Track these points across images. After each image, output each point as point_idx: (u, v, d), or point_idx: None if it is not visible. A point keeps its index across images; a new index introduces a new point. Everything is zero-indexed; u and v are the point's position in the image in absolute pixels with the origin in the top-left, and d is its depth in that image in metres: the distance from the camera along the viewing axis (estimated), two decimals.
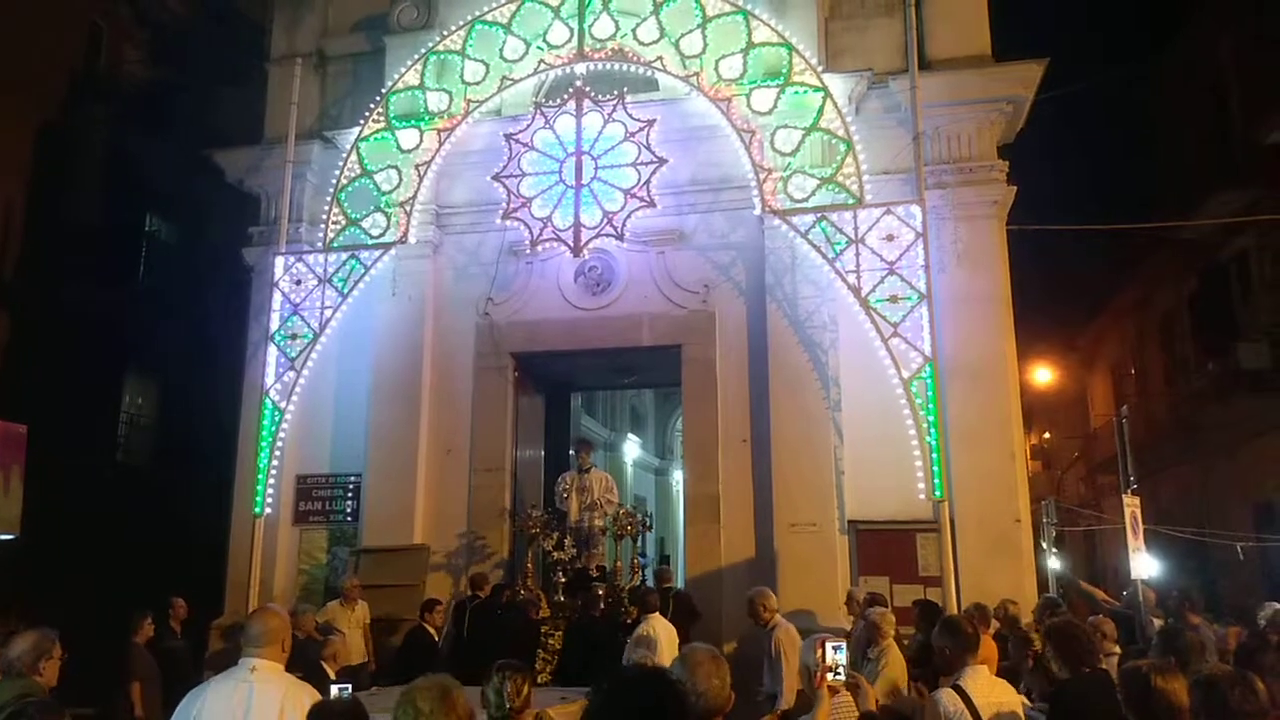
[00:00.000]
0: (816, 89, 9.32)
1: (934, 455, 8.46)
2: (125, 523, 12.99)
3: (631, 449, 21.72)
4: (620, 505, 10.35)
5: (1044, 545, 12.92)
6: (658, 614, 7.85)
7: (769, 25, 9.55)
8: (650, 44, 9.82)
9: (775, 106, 9.38)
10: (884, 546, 9.17)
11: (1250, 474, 14.91)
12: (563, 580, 9.43)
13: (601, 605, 8.76)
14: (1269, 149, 13.81)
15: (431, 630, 8.80)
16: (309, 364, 10.09)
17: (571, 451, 11.43)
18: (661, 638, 7.42)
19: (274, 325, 10.19)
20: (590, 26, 10.00)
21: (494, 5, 10.28)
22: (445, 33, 10.46)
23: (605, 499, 10.10)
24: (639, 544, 10.52)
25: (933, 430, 8.50)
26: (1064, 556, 15.35)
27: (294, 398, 10.05)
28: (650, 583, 9.69)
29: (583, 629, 8.54)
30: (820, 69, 9.45)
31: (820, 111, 9.27)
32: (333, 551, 10.61)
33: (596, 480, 10.24)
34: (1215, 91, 16.75)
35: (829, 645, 3.56)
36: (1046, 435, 25.85)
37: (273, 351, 10.13)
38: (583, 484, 10.15)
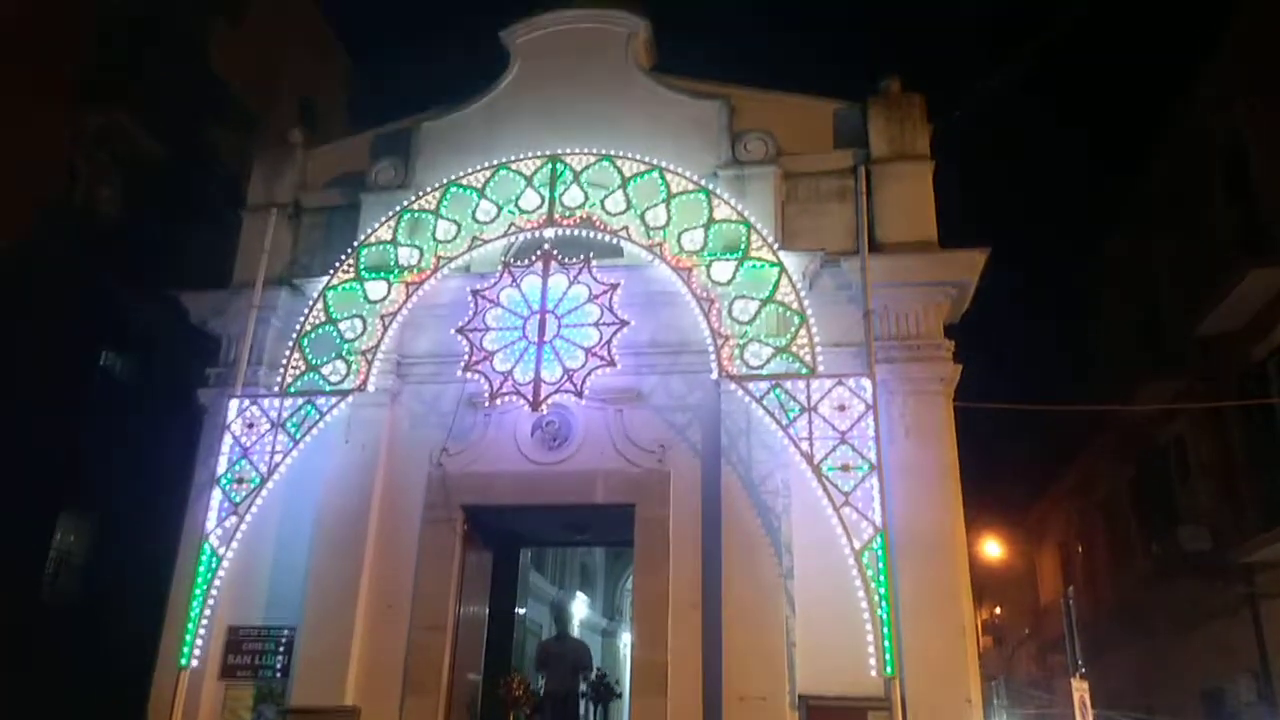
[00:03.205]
0: (773, 264, 9.77)
1: (885, 630, 8.39)
2: (44, 667, 12.24)
3: (580, 608, 21.16)
4: (596, 671, 10.36)
5: None
6: None
7: (729, 204, 10.10)
8: (617, 214, 10.29)
9: (734, 278, 9.79)
10: None
11: (1198, 659, 14.90)
12: None
13: None
14: (1199, 340, 14.58)
15: None
16: (253, 509, 9.86)
17: (552, 618, 11.89)
18: None
19: (221, 468, 10.01)
20: (561, 195, 10.49)
21: (470, 171, 10.76)
22: (420, 193, 10.88)
23: (582, 665, 10.48)
24: (601, 713, 10.52)
25: (884, 603, 8.47)
26: None
27: (234, 544, 9.76)
28: None
29: None
30: (776, 246, 9.93)
31: (776, 285, 9.68)
32: (259, 710, 10.02)
33: (574, 647, 10.80)
34: (1148, 284, 17.80)
35: None
36: (998, 610, 25.71)
37: (217, 495, 9.90)
38: (561, 650, 10.60)
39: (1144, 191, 18.10)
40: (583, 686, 10.22)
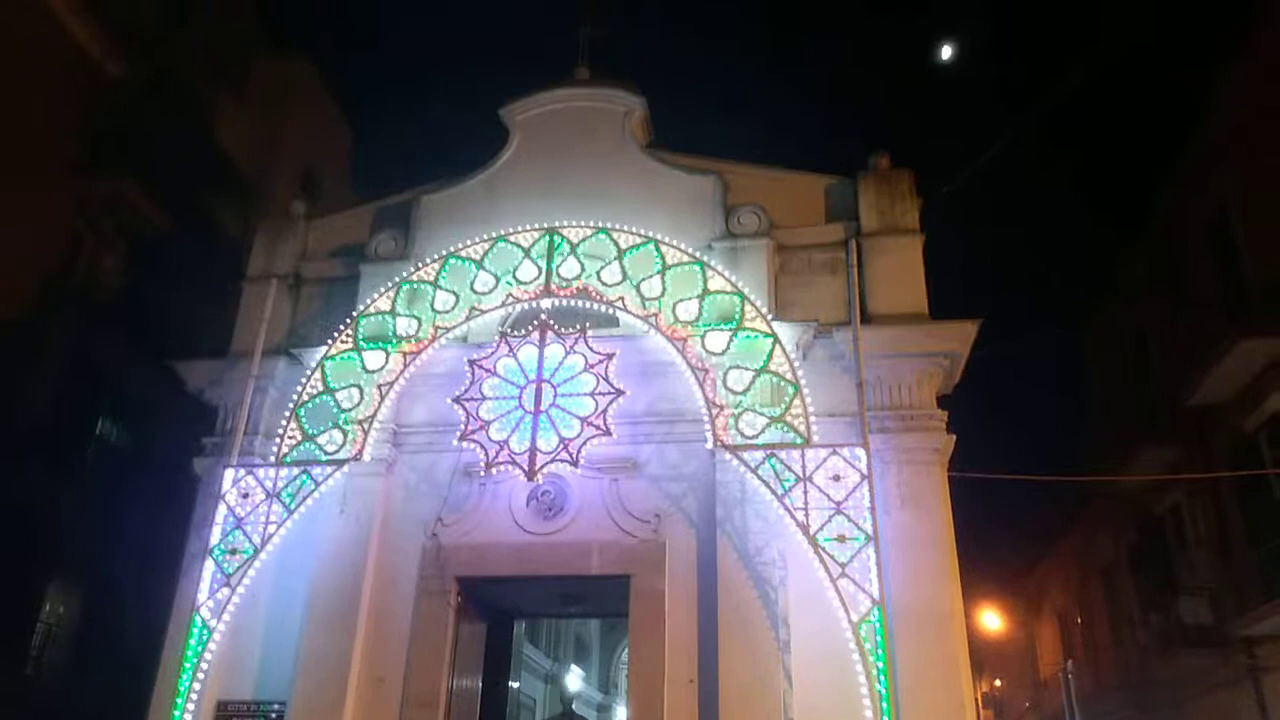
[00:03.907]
0: (766, 335, 9.88)
1: (884, 705, 8.28)
2: None
3: (574, 681, 20.80)
4: None
5: None
6: None
7: (723, 276, 10.26)
8: (613, 285, 10.44)
9: (728, 348, 9.89)
10: None
11: None
12: None
13: None
14: (1192, 410, 14.65)
15: None
16: (245, 581, 9.78)
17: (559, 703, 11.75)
18: None
19: (214, 539, 9.95)
20: (558, 267, 10.65)
21: (469, 243, 10.93)
22: (420, 264, 11.03)
23: None
24: None
25: (882, 678, 8.37)
26: None
27: (225, 616, 9.66)
28: None
29: None
30: (770, 317, 10.05)
31: (770, 355, 9.78)
32: None
33: None
34: (1140, 355, 17.95)
35: None
36: (997, 682, 25.30)
37: (209, 566, 9.82)
38: None
39: (1135, 261, 18.37)
40: None
